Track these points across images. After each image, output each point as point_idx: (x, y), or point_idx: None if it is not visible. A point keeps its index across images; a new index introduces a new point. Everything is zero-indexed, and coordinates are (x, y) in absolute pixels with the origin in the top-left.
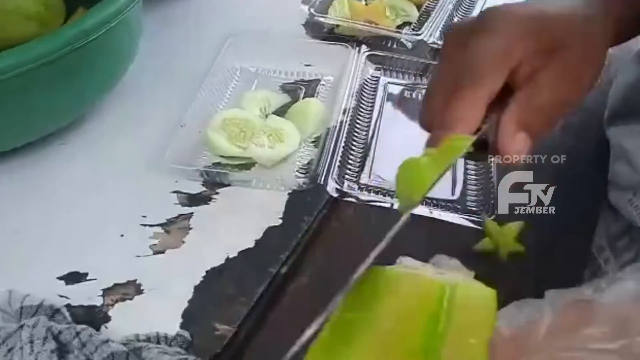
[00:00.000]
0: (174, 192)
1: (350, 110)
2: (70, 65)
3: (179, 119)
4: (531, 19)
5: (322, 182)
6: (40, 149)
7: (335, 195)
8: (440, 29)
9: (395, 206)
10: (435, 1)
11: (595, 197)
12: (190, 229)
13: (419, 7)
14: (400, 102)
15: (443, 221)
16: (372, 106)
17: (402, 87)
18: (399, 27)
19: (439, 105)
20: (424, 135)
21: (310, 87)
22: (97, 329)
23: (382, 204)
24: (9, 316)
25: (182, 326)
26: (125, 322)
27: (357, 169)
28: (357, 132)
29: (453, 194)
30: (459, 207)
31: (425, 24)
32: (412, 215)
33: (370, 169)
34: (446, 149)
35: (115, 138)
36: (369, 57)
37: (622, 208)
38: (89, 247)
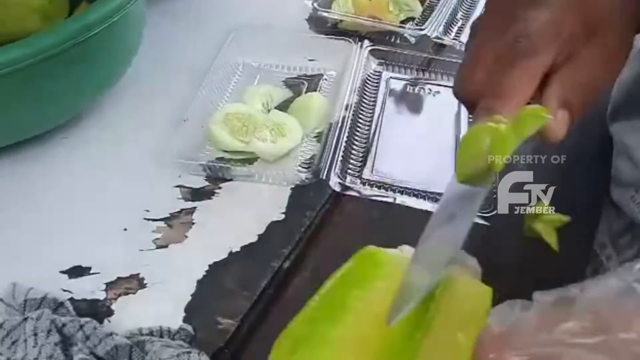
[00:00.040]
0: (177, 186)
1: (353, 105)
2: (73, 60)
3: (182, 114)
4: None
5: (324, 177)
6: (42, 143)
7: (337, 190)
8: (443, 24)
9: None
10: None
11: (598, 194)
12: (193, 223)
13: (422, 2)
14: (402, 97)
15: None
16: (375, 101)
17: (404, 82)
18: (402, 22)
19: (483, 77)
20: (426, 131)
21: (312, 81)
22: (101, 322)
23: (385, 199)
24: (13, 309)
25: (185, 320)
26: (128, 315)
27: (359, 164)
28: (359, 127)
29: None
30: None
31: (429, 19)
32: (414, 208)
33: (373, 164)
34: (525, 117)
35: (118, 132)
36: (372, 52)
37: (624, 205)
38: (92, 241)
